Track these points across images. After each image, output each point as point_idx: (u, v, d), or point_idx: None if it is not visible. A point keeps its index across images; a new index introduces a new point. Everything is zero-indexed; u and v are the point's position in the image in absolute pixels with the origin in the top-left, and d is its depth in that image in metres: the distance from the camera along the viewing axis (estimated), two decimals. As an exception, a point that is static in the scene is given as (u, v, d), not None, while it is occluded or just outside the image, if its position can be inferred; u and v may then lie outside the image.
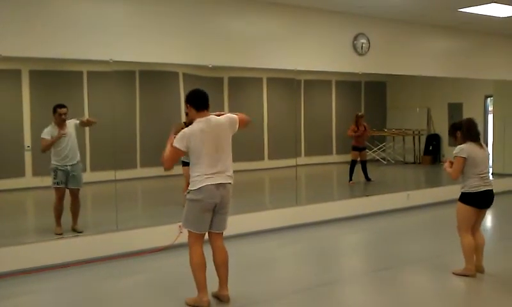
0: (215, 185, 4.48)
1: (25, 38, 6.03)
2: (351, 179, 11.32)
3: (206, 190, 4.46)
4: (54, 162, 6.84)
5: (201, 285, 4.62)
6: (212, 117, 4.59)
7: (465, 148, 5.33)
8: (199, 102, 4.56)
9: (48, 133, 6.84)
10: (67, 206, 7.02)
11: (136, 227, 6.90)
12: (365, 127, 11.44)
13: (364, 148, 11.72)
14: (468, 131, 5.42)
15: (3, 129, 10.58)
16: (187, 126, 4.64)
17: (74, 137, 7.00)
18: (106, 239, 6.48)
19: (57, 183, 6.83)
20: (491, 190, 5.43)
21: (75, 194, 7.03)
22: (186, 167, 8.53)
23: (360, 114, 11.61)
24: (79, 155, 7.11)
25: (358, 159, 11.48)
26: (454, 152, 5.38)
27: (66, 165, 6.89)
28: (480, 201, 5.38)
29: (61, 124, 6.86)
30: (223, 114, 4.70)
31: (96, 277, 5.80)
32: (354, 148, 11.50)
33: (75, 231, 6.91)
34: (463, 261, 5.46)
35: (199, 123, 4.52)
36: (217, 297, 4.82)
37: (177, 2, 7.10)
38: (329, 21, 8.52)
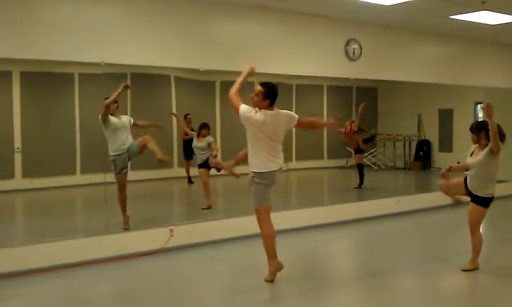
0: None
1: (17, 40, 6.00)
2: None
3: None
4: None
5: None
6: None
7: None
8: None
9: None
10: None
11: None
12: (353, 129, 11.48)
13: (355, 151, 11.79)
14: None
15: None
16: None
17: None
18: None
19: None
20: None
21: None
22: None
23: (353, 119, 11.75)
24: None
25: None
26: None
27: None
28: None
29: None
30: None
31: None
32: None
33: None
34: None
35: None
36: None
37: (170, 5, 7.10)
38: (321, 26, 8.54)
